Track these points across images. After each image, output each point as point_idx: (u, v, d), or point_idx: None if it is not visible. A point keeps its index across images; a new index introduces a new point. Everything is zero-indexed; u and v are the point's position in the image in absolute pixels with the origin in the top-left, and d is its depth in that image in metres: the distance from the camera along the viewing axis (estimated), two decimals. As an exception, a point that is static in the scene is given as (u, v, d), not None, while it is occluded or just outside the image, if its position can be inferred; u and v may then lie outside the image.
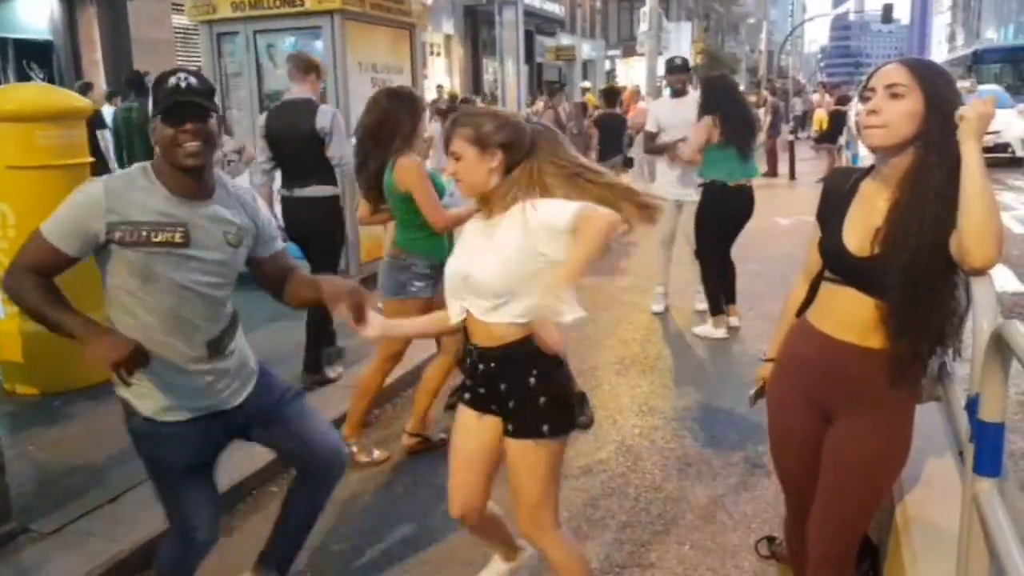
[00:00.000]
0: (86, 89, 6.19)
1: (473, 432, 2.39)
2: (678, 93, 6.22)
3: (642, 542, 3.21)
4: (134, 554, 2.99)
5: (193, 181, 2.22)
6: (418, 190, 3.54)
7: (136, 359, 2.05)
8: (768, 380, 2.33)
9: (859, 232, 1.95)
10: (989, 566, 1.49)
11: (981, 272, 1.70)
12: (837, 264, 2.02)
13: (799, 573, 2.41)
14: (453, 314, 2.31)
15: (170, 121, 2.15)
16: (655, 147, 6.17)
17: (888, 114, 1.86)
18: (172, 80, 2.18)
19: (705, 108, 5.61)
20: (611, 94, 11.57)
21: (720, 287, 5.84)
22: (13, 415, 4.24)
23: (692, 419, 4.44)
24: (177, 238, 2.17)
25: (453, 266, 2.30)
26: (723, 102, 5.57)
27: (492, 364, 2.27)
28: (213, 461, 2.49)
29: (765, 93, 18.48)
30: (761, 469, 3.75)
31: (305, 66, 4.79)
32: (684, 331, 6.05)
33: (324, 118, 4.61)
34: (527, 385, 2.24)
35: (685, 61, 6.42)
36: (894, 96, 1.86)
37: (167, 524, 2.53)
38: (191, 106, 2.16)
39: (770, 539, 3.08)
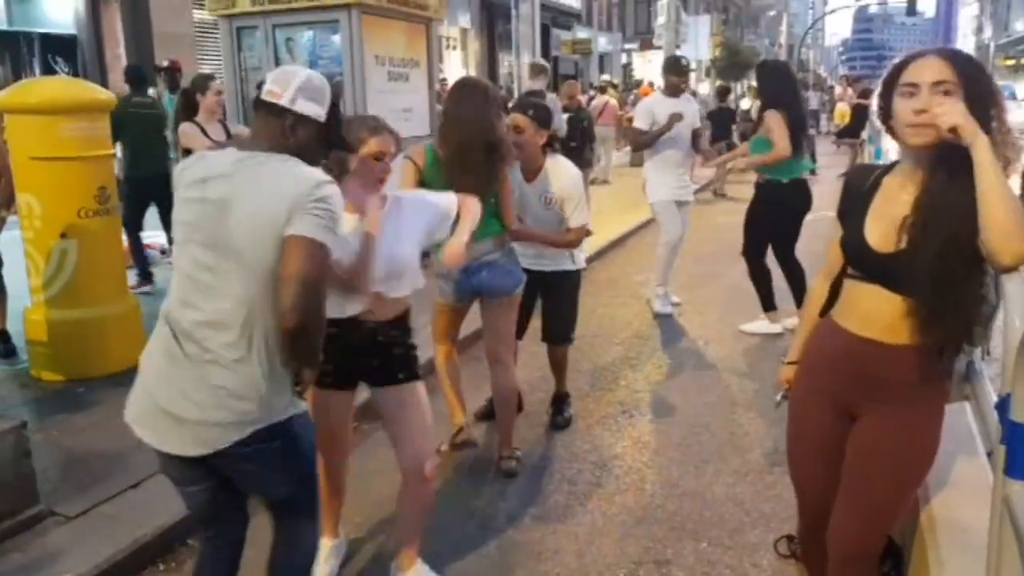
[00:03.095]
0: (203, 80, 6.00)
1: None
2: (675, 93, 6.15)
3: (658, 538, 3.21)
4: (157, 539, 3.03)
5: None
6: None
7: None
8: (792, 382, 2.31)
9: (882, 228, 1.92)
10: (1021, 570, 1.47)
11: (1011, 270, 1.68)
12: (860, 261, 2.00)
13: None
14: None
15: None
16: (648, 138, 6.03)
17: (930, 116, 1.79)
18: None
19: (772, 101, 5.47)
20: (725, 91, 14.94)
21: (764, 288, 5.79)
22: (39, 401, 4.30)
23: (710, 416, 4.43)
24: None
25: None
26: (788, 94, 5.49)
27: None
28: None
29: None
30: (780, 467, 3.73)
31: (539, 70, 9.04)
32: (702, 328, 6.03)
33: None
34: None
35: (688, 63, 6.41)
36: (945, 94, 1.80)
37: (310, 513, 2.37)
38: None
39: (790, 538, 3.05)
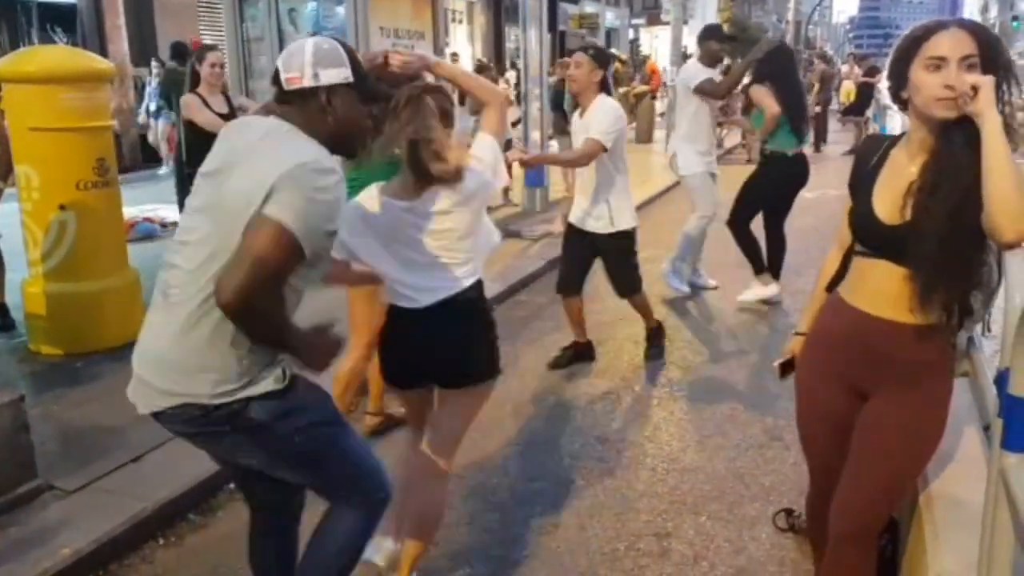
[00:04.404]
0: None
1: None
2: (714, 62, 6.05)
3: (658, 512, 3.22)
4: (156, 513, 3.04)
5: None
6: None
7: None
8: (798, 355, 2.30)
9: (889, 200, 1.91)
10: (1014, 541, 1.47)
11: (1013, 246, 1.66)
12: (867, 234, 1.98)
13: (818, 548, 2.40)
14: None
15: None
16: (731, 80, 6.01)
17: (964, 87, 1.77)
18: None
19: (761, 75, 5.58)
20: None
21: (755, 252, 5.84)
22: (38, 375, 4.31)
23: (711, 391, 4.43)
24: None
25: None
26: (782, 72, 5.56)
27: None
28: None
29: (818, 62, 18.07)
30: (780, 442, 3.74)
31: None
32: (706, 304, 6.01)
33: None
34: None
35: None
36: (970, 68, 1.78)
37: (348, 501, 2.14)
38: None
39: (788, 511, 3.07)
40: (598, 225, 4.40)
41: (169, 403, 1.89)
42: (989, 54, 1.78)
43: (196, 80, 5.91)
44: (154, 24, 13.11)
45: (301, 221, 1.76)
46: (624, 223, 4.41)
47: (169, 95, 8.99)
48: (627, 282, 4.60)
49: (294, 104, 1.94)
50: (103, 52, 11.25)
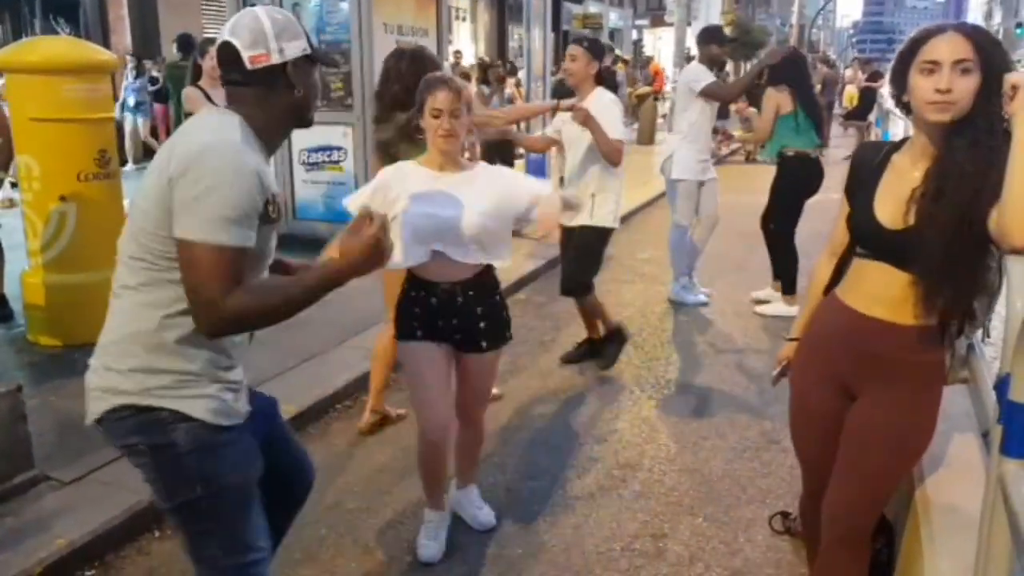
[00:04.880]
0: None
1: (440, 360, 2.76)
2: (716, 66, 6.00)
3: (655, 513, 3.22)
4: (152, 506, 3.00)
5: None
6: None
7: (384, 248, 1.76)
8: (792, 359, 2.29)
9: (892, 205, 1.90)
10: (1012, 548, 1.47)
11: (1020, 251, 1.65)
12: (869, 239, 1.98)
13: (812, 551, 2.40)
14: (417, 257, 2.61)
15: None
16: (748, 78, 6.01)
17: (959, 92, 1.77)
18: None
19: (775, 79, 5.56)
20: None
21: (792, 264, 5.73)
22: (36, 366, 4.31)
23: (709, 393, 4.43)
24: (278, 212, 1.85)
25: (423, 214, 2.57)
26: (796, 75, 5.58)
27: (469, 293, 2.71)
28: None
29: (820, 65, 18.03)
30: (777, 445, 3.74)
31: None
32: (705, 306, 6.00)
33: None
34: (495, 304, 2.80)
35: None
36: (964, 72, 1.77)
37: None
38: None
39: (784, 514, 3.07)
40: (576, 218, 4.30)
41: (107, 405, 1.74)
42: (986, 58, 1.77)
43: (197, 73, 5.89)
44: (157, 16, 13.10)
45: (220, 223, 1.59)
46: (602, 220, 4.33)
47: (170, 88, 9.34)
48: (577, 281, 4.42)
49: (253, 85, 1.76)
50: (106, 44, 11.26)
